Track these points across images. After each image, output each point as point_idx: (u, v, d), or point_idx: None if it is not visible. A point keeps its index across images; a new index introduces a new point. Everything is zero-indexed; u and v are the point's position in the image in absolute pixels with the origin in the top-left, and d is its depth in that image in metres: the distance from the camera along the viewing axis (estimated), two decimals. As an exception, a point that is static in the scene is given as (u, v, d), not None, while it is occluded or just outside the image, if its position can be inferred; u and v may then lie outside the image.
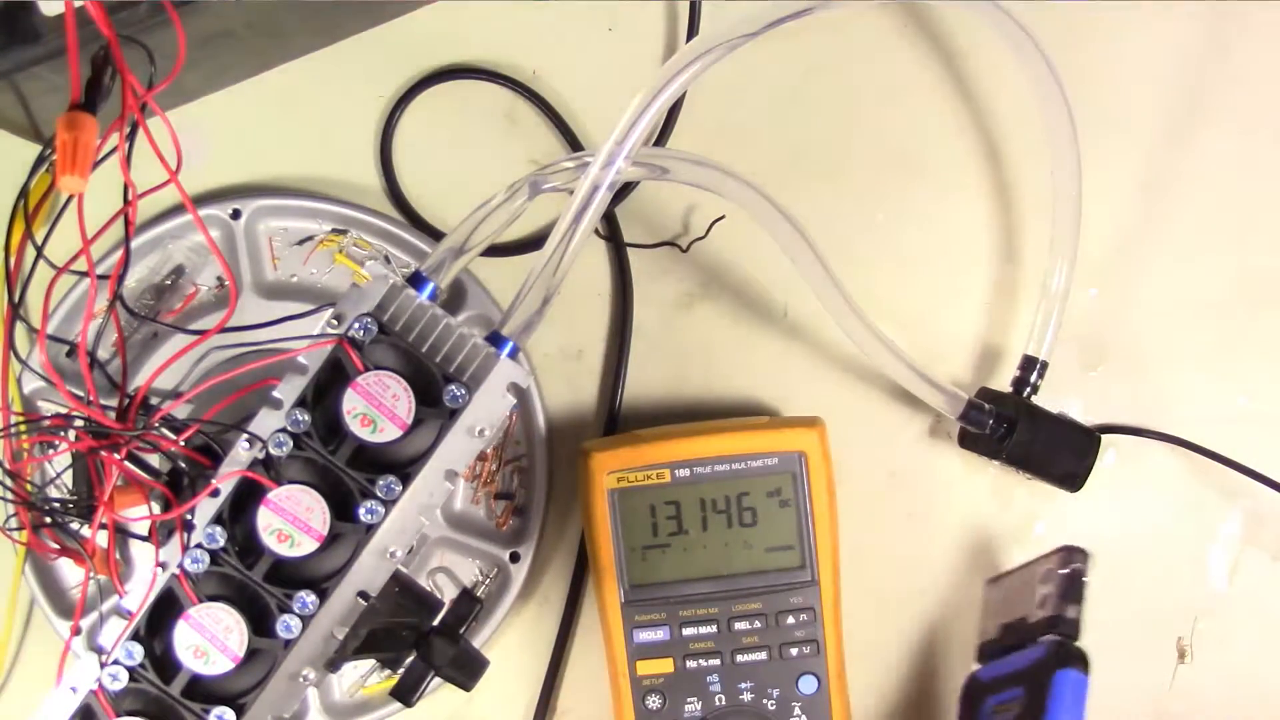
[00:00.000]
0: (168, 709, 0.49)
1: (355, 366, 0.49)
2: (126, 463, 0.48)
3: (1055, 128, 0.59)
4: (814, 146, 0.64)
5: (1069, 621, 0.55)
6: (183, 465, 0.49)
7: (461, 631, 0.52)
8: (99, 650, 0.49)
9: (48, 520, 0.51)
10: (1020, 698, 0.55)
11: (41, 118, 0.58)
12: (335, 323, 0.49)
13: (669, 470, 0.59)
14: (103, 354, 0.59)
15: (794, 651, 0.58)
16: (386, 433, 0.48)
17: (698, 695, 0.59)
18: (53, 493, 0.57)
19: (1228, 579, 0.63)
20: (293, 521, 0.48)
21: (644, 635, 0.59)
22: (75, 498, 0.51)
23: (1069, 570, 0.56)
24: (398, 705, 0.53)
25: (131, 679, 0.48)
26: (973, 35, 0.64)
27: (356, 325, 0.49)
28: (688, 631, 0.58)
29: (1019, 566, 0.61)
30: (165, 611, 0.49)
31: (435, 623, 0.52)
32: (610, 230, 0.64)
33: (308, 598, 0.48)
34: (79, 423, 0.49)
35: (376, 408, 0.48)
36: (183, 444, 0.49)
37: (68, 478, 0.54)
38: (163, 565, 0.49)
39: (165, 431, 0.49)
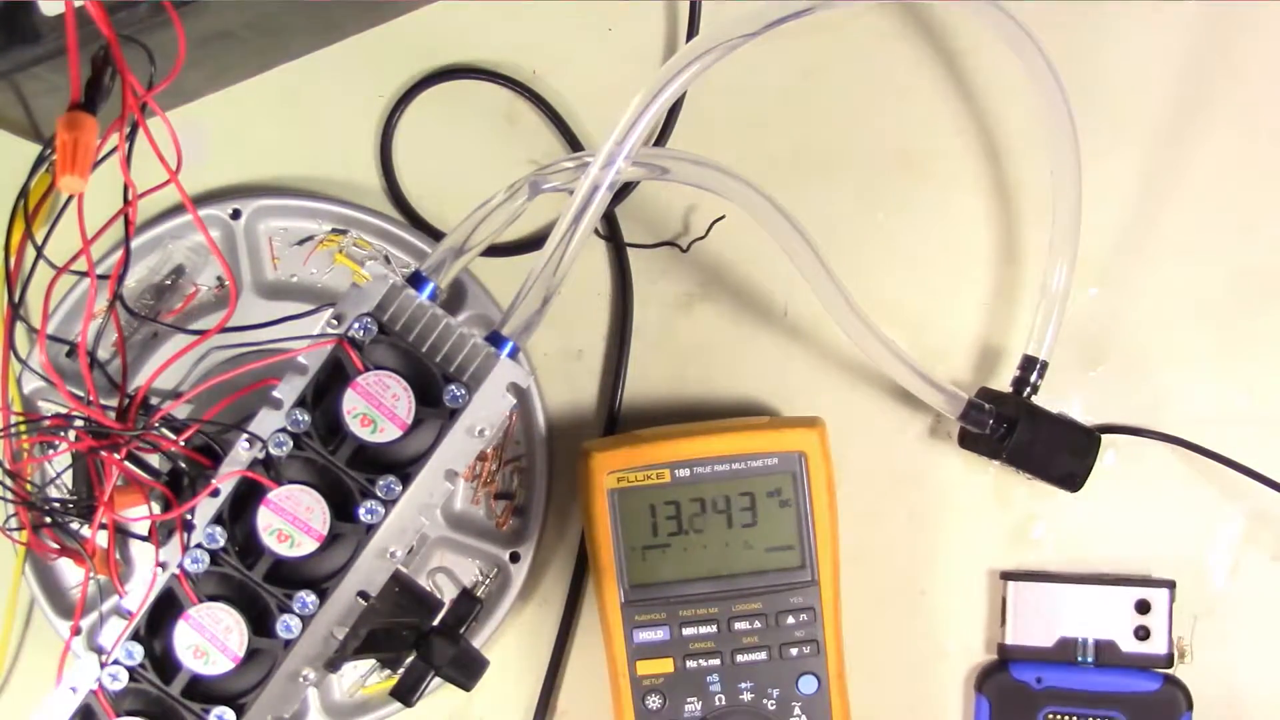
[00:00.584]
0: (168, 709, 0.49)
1: (355, 366, 0.49)
2: (126, 463, 0.48)
3: (1055, 128, 0.59)
4: (814, 146, 0.64)
5: (1171, 656, 0.61)
6: (183, 465, 0.49)
7: (461, 631, 0.52)
8: (99, 650, 0.49)
9: (48, 520, 0.51)
10: None
11: (41, 118, 0.58)
12: (335, 323, 0.49)
13: (669, 470, 0.59)
14: (103, 354, 0.59)
15: (794, 651, 0.58)
16: (386, 433, 0.48)
17: (698, 695, 0.59)
18: (53, 493, 0.57)
19: (1228, 579, 0.63)
20: (293, 521, 0.48)
21: (644, 635, 0.59)
22: (75, 498, 0.51)
23: (1170, 604, 0.61)
24: (398, 705, 0.53)
25: (131, 679, 0.48)
26: (973, 35, 0.64)
27: (356, 325, 0.49)
28: (688, 631, 0.58)
29: (1075, 575, 0.62)
30: (165, 611, 0.49)
31: (435, 623, 0.52)
32: (610, 230, 0.64)
33: (308, 598, 0.48)
34: (79, 423, 0.49)
35: (376, 408, 0.48)
36: (183, 444, 0.49)
37: (68, 478, 0.54)
38: (163, 565, 0.49)
39: (165, 431, 0.49)
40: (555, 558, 0.64)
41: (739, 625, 0.58)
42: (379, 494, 0.48)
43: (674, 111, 0.64)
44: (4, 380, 0.54)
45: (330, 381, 0.49)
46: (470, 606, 0.52)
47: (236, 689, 0.49)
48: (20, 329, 0.53)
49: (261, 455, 0.49)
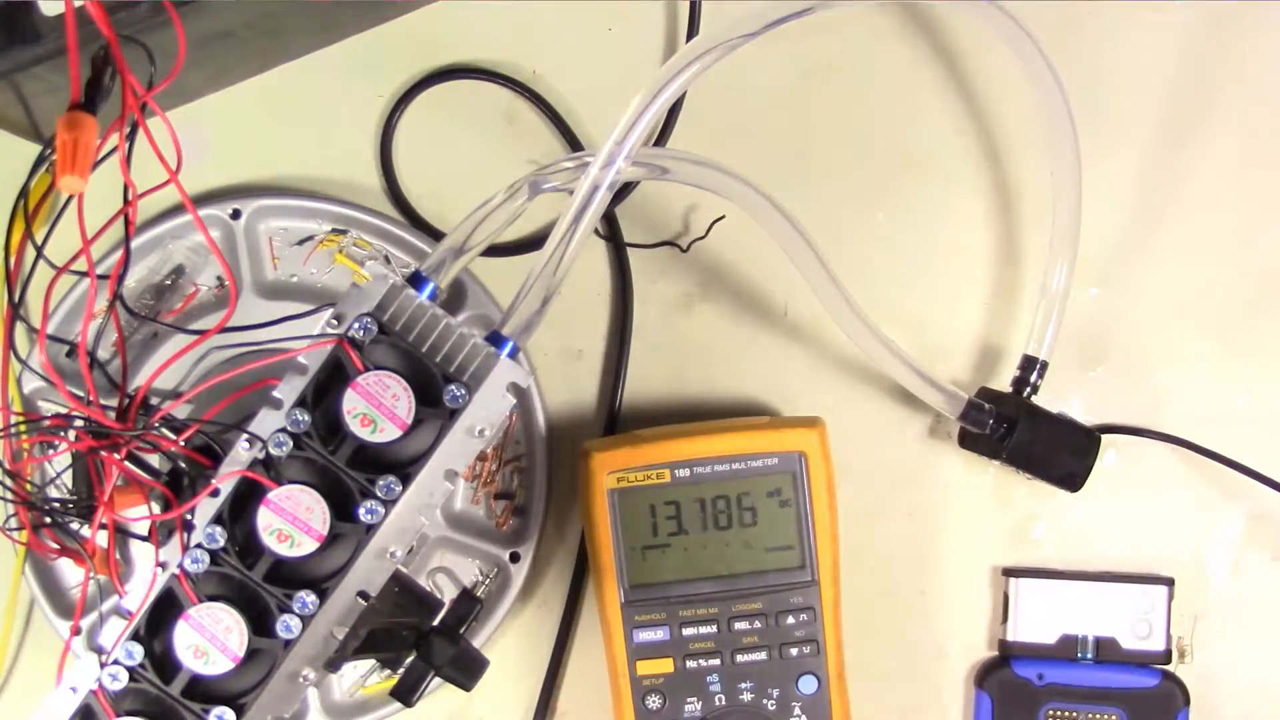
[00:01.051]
0: (168, 709, 0.49)
1: (355, 366, 0.49)
2: (126, 463, 0.48)
3: (1055, 128, 0.59)
4: (814, 146, 0.64)
5: (1169, 653, 0.61)
6: (183, 465, 0.49)
7: (461, 631, 0.52)
8: (99, 650, 0.49)
9: (48, 520, 0.51)
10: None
11: (41, 118, 0.58)
12: (335, 323, 0.49)
13: (669, 470, 0.59)
14: (103, 354, 0.59)
15: (794, 651, 0.58)
16: (386, 433, 0.48)
17: (698, 695, 0.59)
18: (53, 493, 0.57)
19: (1228, 579, 0.63)
20: (293, 521, 0.48)
21: (644, 635, 0.59)
22: (75, 498, 0.51)
23: (1169, 602, 0.61)
24: (398, 705, 0.53)
25: (131, 679, 0.48)
26: (973, 35, 0.64)
27: (356, 325, 0.49)
28: (688, 631, 0.58)
29: (1076, 573, 0.62)
30: (165, 611, 0.49)
31: (435, 623, 0.52)
32: (610, 230, 0.64)
33: (308, 598, 0.48)
34: (79, 423, 0.49)
35: (376, 408, 0.48)
36: (183, 444, 0.49)
37: (68, 478, 0.54)
38: (163, 565, 0.49)
39: (165, 431, 0.49)
40: (555, 558, 0.64)
41: (739, 625, 0.58)
42: (379, 494, 0.48)
43: (674, 111, 0.64)
44: (4, 380, 0.54)
45: (330, 381, 0.49)
46: (470, 606, 0.52)
47: (236, 689, 0.49)
48: (20, 329, 0.53)
49: (261, 455, 0.49)
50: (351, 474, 0.49)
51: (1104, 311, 0.64)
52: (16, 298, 0.52)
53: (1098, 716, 0.61)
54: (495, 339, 0.50)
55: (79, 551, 0.51)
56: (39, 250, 0.48)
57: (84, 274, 0.47)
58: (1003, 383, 0.61)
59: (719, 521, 0.59)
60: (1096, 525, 0.63)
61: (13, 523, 0.51)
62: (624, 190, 0.64)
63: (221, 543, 0.48)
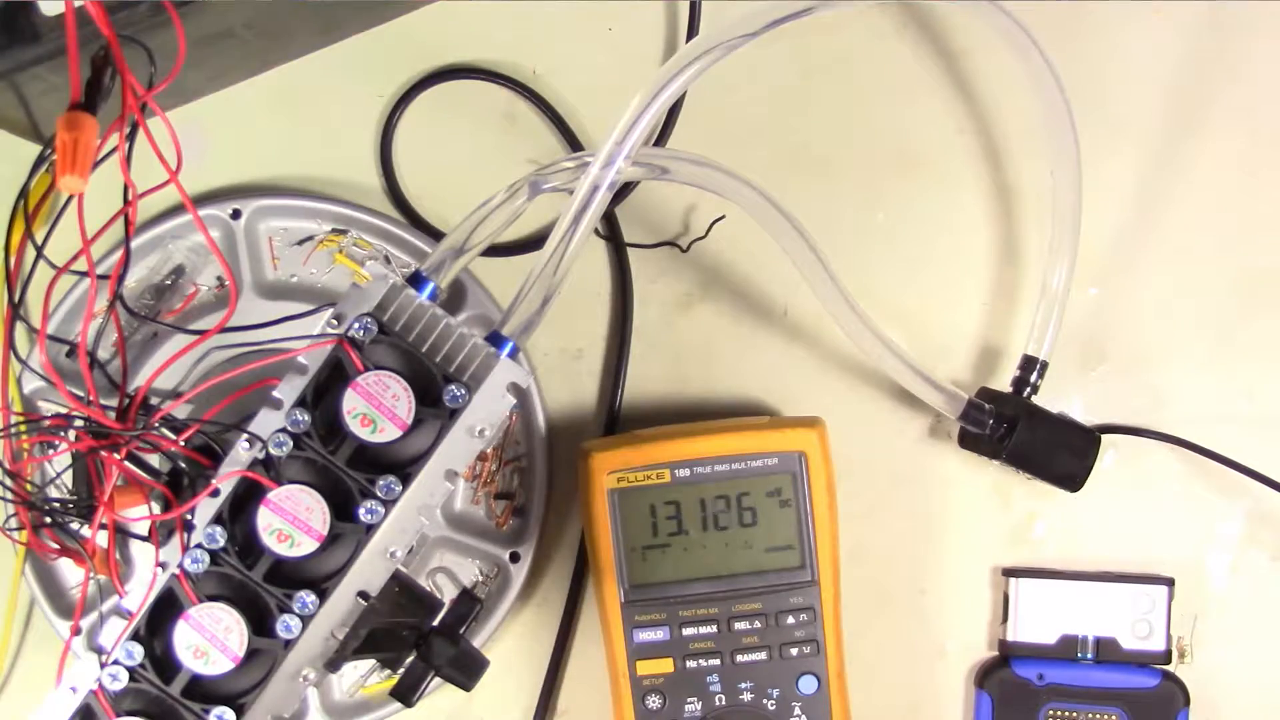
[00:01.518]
0: (168, 709, 0.49)
1: (355, 366, 0.49)
2: (126, 463, 0.48)
3: (1055, 128, 0.59)
4: (814, 147, 0.64)
5: (1169, 653, 0.61)
6: (183, 465, 0.49)
7: (461, 631, 0.52)
8: (99, 650, 0.49)
9: (48, 520, 0.51)
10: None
11: (41, 118, 0.58)
12: (335, 323, 0.49)
13: (669, 470, 0.59)
14: (103, 354, 0.59)
15: (794, 651, 0.58)
16: (386, 433, 0.48)
17: (698, 695, 0.59)
18: (53, 493, 0.57)
19: (1227, 579, 0.63)
20: (293, 521, 0.48)
21: (644, 635, 0.59)
22: (75, 498, 0.51)
23: (1169, 602, 0.61)
24: (398, 705, 0.53)
25: (131, 679, 0.48)
26: (973, 35, 0.64)
27: (356, 325, 0.49)
28: (688, 631, 0.58)
29: (1076, 573, 0.62)
30: (165, 611, 0.49)
31: (435, 623, 0.52)
32: (610, 230, 0.64)
33: (308, 598, 0.48)
34: (79, 423, 0.49)
35: (376, 408, 0.48)
36: (183, 444, 0.49)
37: (68, 478, 0.54)
38: (163, 565, 0.49)
39: (165, 431, 0.49)
40: (555, 558, 0.64)
41: (739, 625, 0.58)
42: (379, 494, 0.48)
43: (674, 111, 0.64)
44: (4, 380, 0.54)
45: (330, 381, 0.49)
46: (470, 606, 0.52)
47: (236, 689, 0.49)
48: (20, 329, 0.53)
49: (261, 455, 0.49)
50: (351, 474, 0.49)
51: (1104, 311, 0.64)
52: (16, 298, 0.52)
53: (1098, 716, 0.61)
54: (495, 339, 0.50)
55: (79, 551, 0.51)
56: (39, 250, 0.48)
57: (84, 274, 0.47)
58: (1003, 383, 0.61)
59: (719, 521, 0.59)
60: (1096, 525, 0.63)
61: (13, 523, 0.51)
62: (624, 190, 0.64)
63: (221, 543, 0.48)
